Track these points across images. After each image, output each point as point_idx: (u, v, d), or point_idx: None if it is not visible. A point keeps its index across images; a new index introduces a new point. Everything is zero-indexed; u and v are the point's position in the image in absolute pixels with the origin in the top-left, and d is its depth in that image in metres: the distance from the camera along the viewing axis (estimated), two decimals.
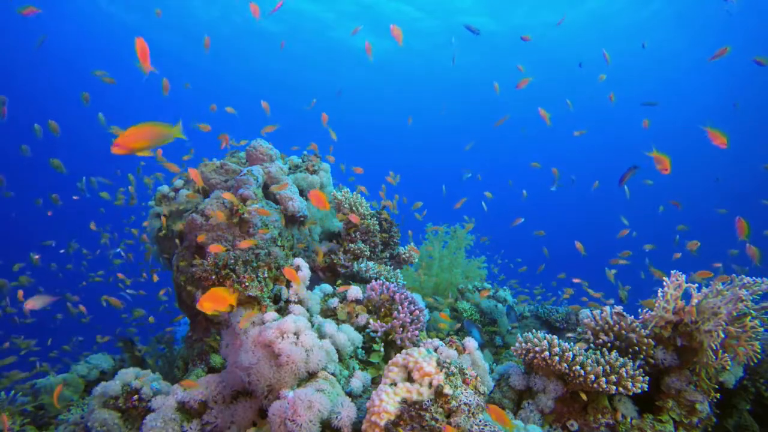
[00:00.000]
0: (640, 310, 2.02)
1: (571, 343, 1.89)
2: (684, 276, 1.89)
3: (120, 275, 5.49)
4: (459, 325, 3.00)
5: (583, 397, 1.78)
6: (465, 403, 1.38)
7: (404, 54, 17.64)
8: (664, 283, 1.92)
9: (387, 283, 2.30)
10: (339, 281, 2.82)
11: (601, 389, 1.72)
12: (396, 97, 22.17)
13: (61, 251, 5.97)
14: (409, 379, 1.45)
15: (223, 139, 3.53)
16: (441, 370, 1.43)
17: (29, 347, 4.29)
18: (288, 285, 2.13)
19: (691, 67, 16.32)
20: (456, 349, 1.94)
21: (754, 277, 1.85)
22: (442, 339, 2.04)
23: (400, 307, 2.16)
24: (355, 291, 2.29)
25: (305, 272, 2.17)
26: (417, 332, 2.14)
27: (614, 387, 1.70)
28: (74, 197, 5.61)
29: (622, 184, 3.10)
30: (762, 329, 1.75)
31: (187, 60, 18.82)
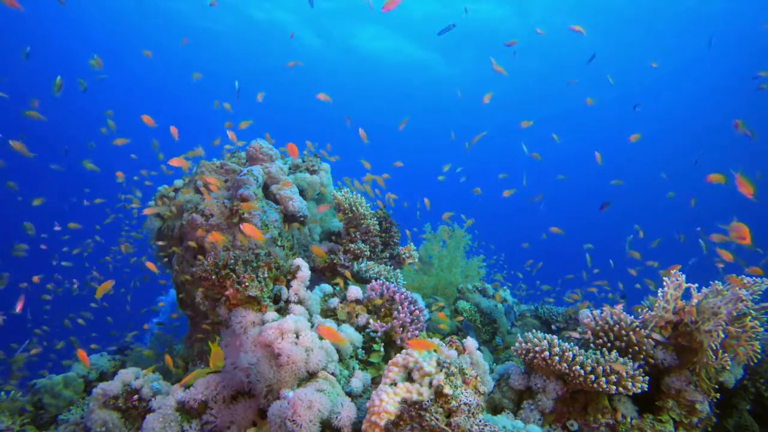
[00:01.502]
0: (640, 310, 2.02)
1: (571, 343, 1.89)
2: (684, 276, 1.90)
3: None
4: (460, 318, 3.00)
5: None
6: (465, 403, 1.38)
7: (410, 51, 17.60)
8: (664, 283, 1.92)
9: (387, 283, 2.30)
10: (337, 280, 2.83)
11: (601, 389, 1.72)
12: (396, 96, 22.14)
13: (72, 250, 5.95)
14: (409, 379, 1.45)
15: (228, 126, 3.50)
16: (441, 370, 1.43)
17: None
18: (288, 285, 2.13)
19: (693, 58, 16.26)
20: (456, 349, 1.94)
21: (754, 277, 1.85)
22: (442, 339, 2.04)
23: (400, 307, 2.16)
24: (355, 291, 2.29)
25: (305, 272, 2.17)
26: (417, 332, 2.14)
27: (614, 387, 1.70)
28: (85, 202, 5.58)
29: (602, 209, 3.24)
30: (762, 329, 1.75)
31: (190, 57, 18.75)
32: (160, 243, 2.98)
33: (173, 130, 3.29)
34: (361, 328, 2.16)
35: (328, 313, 2.25)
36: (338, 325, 2.07)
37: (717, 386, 1.84)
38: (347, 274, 2.59)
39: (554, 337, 1.88)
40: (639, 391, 1.72)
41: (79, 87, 4.22)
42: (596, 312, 2.07)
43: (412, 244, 3.29)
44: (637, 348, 1.89)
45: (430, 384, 1.40)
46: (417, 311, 2.18)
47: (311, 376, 1.72)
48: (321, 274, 2.95)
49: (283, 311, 2.04)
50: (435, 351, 1.51)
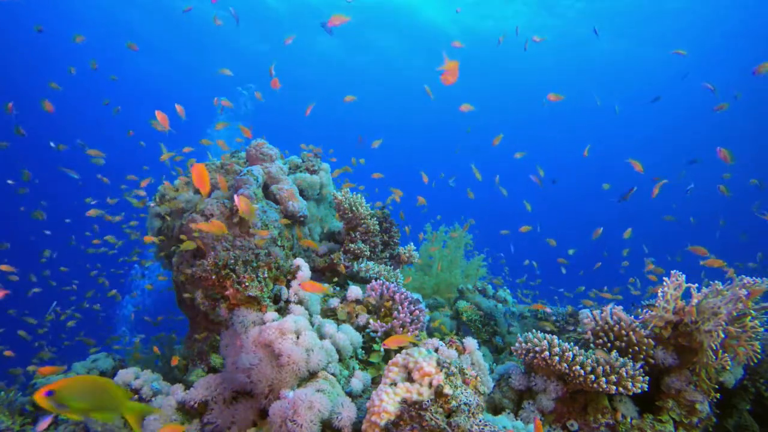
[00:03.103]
0: (640, 310, 2.02)
1: (571, 343, 1.89)
2: (684, 276, 1.89)
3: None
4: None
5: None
6: (465, 403, 1.38)
7: (408, 53, 17.49)
8: (664, 283, 1.92)
9: (387, 283, 2.30)
10: (335, 279, 2.83)
11: (601, 389, 1.72)
12: (398, 96, 22.07)
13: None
14: (409, 379, 1.45)
15: (245, 132, 3.49)
16: (441, 370, 1.43)
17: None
18: (288, 285, 2.13)
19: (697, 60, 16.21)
20: (456, 349, 1.94)
21: (754, 277, 1.85)
22: (442, 339, 2.04)
23: (400, 307, 2.16)
24: (355, 291, 2.29)
25: (305, 272, 2.17)
26: (417, 332, 2.14)
27: (614, 387, 1.70)
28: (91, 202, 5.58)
29: (624, 199, 3.28)
30: (762, 329, 1.75)
31: (185, 58, 18.59)
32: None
33: (179, 108, 3.25)
34: (361, 328, 2.16)
35: (328, 313, 2.25)
36: (338, 325, 2.07)
37: (717, 386, 1.83)
38: (341, 268, 2.62)
39: (554, 337, 1.88)
40: (639, 391, 1.72)
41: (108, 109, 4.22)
42: (596, 312, 2.07)
43: (411, 244, 3.29)
44: (637, 348, 1.89)
45: (430, 384, 1.40)
46: (417, 311, 2.18)
47: (312, 376, 1.72)
48: (321, 274, 2.95)
49: (283, 311, 2.04)
50: (413, 344, 1.53)
